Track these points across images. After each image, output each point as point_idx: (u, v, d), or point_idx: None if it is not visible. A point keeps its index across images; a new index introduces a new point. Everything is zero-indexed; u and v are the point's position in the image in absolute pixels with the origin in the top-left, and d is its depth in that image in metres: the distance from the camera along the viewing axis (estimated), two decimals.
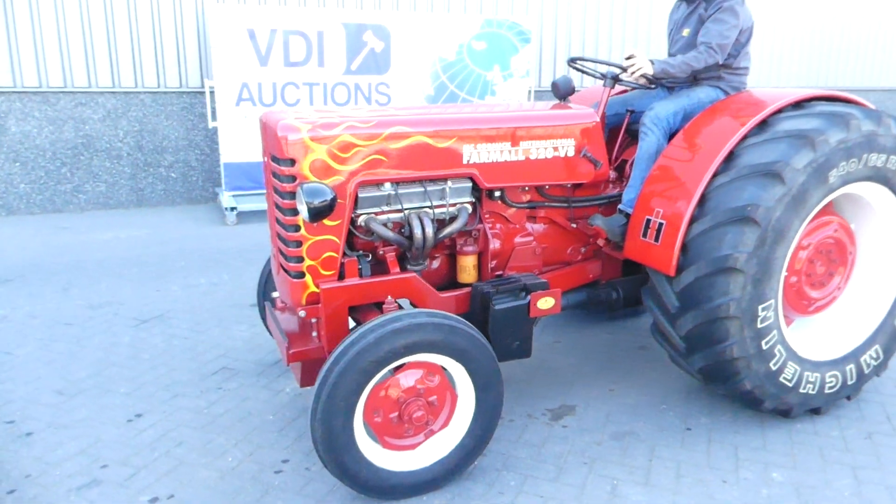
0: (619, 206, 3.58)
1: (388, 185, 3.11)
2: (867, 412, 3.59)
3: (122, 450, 3.25)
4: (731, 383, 3.25)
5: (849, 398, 3.60)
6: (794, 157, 3.00)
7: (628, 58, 3.56)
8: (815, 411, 3.49)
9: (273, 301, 3.64)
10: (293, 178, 2.91)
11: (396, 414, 2.81)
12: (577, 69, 3.89)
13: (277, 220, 3.11)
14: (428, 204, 3.19)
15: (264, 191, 7.80)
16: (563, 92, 3.65)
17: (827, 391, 3.42)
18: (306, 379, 3.31)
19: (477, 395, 2.88)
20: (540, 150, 3.36)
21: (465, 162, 3.21)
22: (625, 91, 4.12)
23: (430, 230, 3.12)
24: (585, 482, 3.01)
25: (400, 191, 3.13)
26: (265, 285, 3.96)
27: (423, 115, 3.17)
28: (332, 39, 7.74)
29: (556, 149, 3.39)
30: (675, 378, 3.93)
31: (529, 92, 8.91)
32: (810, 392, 3.37)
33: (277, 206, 3.06)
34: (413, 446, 2.89)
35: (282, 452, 3.24)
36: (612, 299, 3.75)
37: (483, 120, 3.24)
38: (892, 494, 2.92)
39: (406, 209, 3.15)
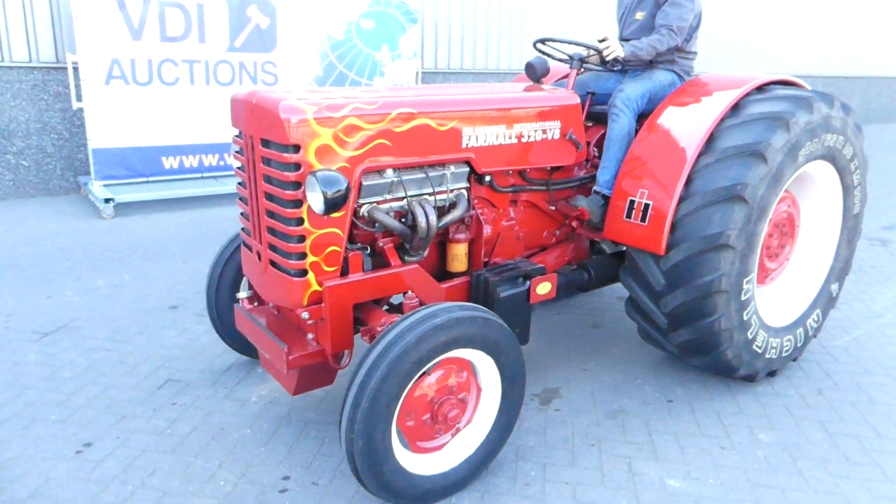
0: (595, 188, 3.62)
1: (389, 171, 2.89)
2: (808, 371, 3.95)
3: (84, 487, 2.78)
4: (713, 354, 3.42)
5: (795, 359, 3.93)
6: (773, 137, 3.19)
7: (602, 40, 3.58)
8: (772, 374, 3.78)
9: (239, 301, 3.29)
10: (297, 167, 2.61)
11: (429, 415, 2.64)
12: (542, 52, 3.86)
13: (271, 214, 2.77)
14: (429, 190, 3.02)
15: (142, 179, 7.15)
16: (539, 74, 3.60)
17: (783, 354, 3.72)
18: (302, 385, 3.01)
19: (503, 388, 2.79)
20: (531, 132, 3.29)
21: (463, 146, 3.07)
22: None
23: (433, 218, 2.95)
24: (601, 464, 3.03)
25: (403, 177, 2.93)
26: (218, 283, 3.54)
27: (425, 97, 2.98)
28: (214, 13, 7.10)
29: (544, 131, 3.35)
30: (639, 353, 4.07)
31: (417, 74, 8.78)
32: (772, 356, 3.64)
33: (273, 198, 2.73)
34: (441, 447, 2.74)
35: (278, 469, 2.93)
36: (584, 280, 3.79)
37: (481, 101, 3.12)
38: (861, 443, 3.24)
39: (408, 197, 2.95)
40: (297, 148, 2.60)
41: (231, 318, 3.58)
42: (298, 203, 2.65)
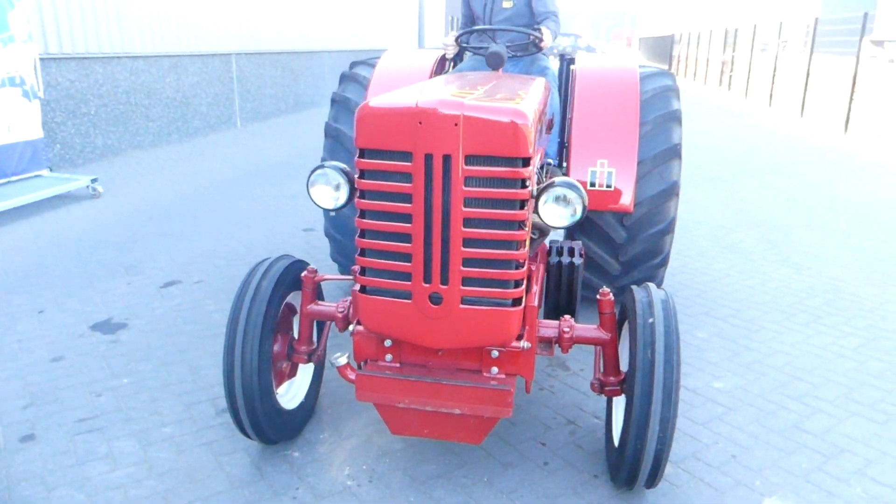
0: (547, 160, 3.92)
1: None
2: (691, 274, 5.12)
3: None
4: (655, 282, 4.19)
5: None
6: (676, 104, 4.04)
7: (537, 29, 3.85)
8: None
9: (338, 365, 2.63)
10: (525, 182, 2.29)
11: None
12: (465, 47, 3.88)
13: (475, 242, 2.31)
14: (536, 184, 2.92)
15: None
16: (502, 62, 3.63)
17: None
18: (474, 434, 2.62)
19: None
20: (542, 117, 3.41)
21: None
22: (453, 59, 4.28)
23: None
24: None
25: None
26: (259, 362, 2.65)
27: (524, 87, 2.84)
28: None
29: (545, 114, 3.49)
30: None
31: (36, 62, 6.80)
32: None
33: (484, 223, 2.29)
34: None
35: None
36: None
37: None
38: (805, 313, 4.50)
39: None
40: (527, 161, 2.28)
41: (272, 404, 2.78)
42: (524, 223, 2.33)
